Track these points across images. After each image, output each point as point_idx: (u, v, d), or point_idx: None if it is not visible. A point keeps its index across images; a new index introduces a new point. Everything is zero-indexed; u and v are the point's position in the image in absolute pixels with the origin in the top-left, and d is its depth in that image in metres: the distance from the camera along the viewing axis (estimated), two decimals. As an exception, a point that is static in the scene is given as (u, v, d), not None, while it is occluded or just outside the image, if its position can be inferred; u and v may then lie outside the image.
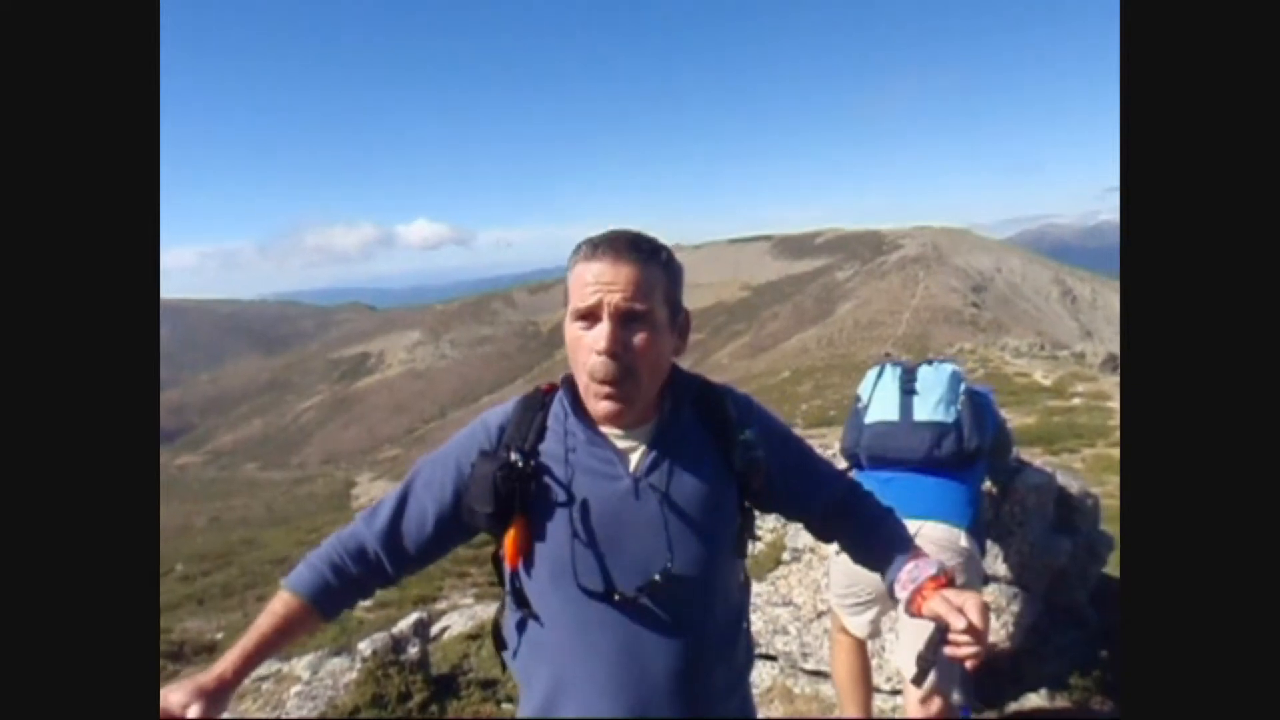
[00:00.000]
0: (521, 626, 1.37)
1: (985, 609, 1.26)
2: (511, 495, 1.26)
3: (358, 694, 3.45)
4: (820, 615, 3.28)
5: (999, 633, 3.05)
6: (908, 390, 2.49)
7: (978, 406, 2.50)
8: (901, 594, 1.36)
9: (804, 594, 3.39)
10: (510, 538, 1.29)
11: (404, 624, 4.70)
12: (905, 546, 1.44)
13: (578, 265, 1.25)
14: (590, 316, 1.23)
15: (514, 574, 1.34)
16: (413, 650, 3.90)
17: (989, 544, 3.24)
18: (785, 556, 3.64)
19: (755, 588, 3.65)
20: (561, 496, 1.28)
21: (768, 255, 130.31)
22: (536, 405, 1.36)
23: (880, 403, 2.52)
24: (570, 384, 1.35)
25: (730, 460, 1.34)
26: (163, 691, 1.14)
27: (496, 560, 1.35)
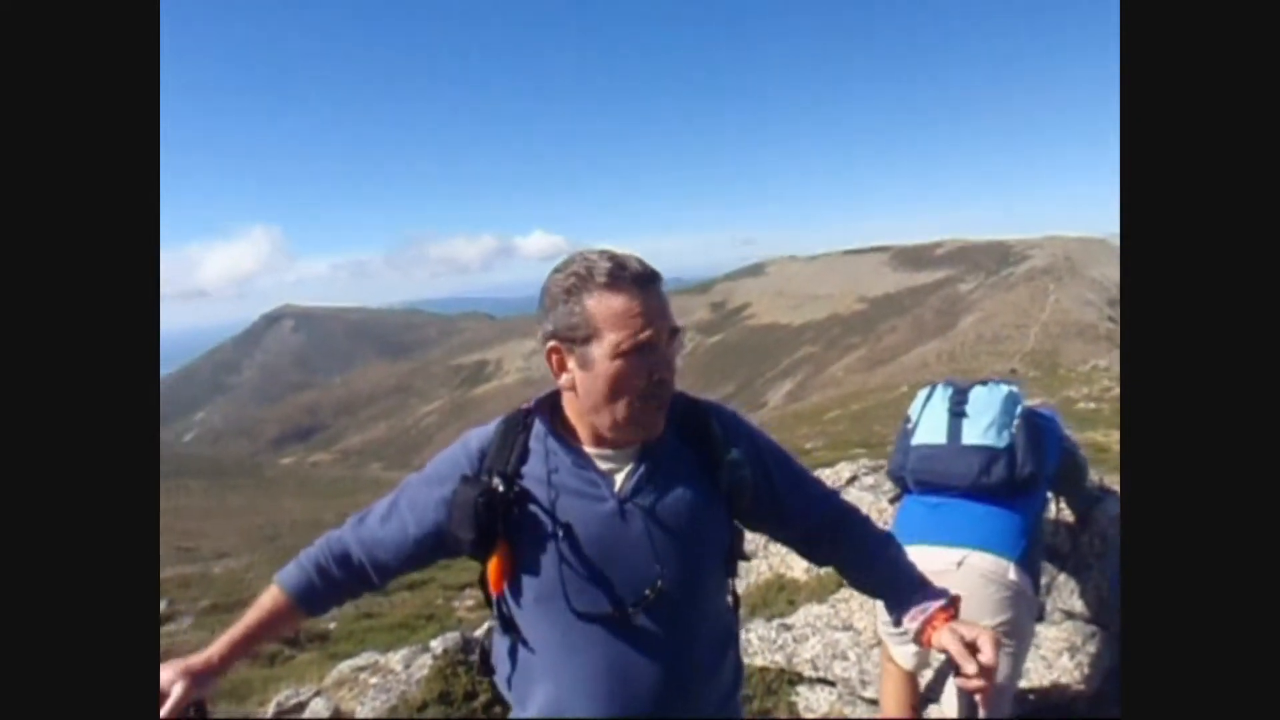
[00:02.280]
0: (511, 650, 1.38)
1: (996, 642, 1.25)
2: (494, 521, 1.27)
3: (426, 690, 3.61)
4: (881, 642, 3.20)
5: (1072, 673, 2.89)
6: (957, 412, 2.39)
7: (1035, 430, 2.38)
8: (910, 625, 1.35)
9: (865, 619, 3.31)
10: (494, 564, 1.30)
11: (484, 626, 4.87)
12: (909, 575, 1.42)
13: (603, 297, 1.23)
14: (648, 347, 1.24)
15: (500, 599, 1.35)
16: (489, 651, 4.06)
17: (1064, 578, 3.08)
18: (848, 580, 3.57)
19: (816, 610, 3.59)
20: (546, 520, 1.28)
21: (885, 266, 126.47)
22: (517, 427, 1.36)
23: (928, 424, 2.44)
24: (548, 407, 1.37)
25: (716, 479, 1.33)
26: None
27: (483, 581, 1.35)
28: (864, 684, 3.19)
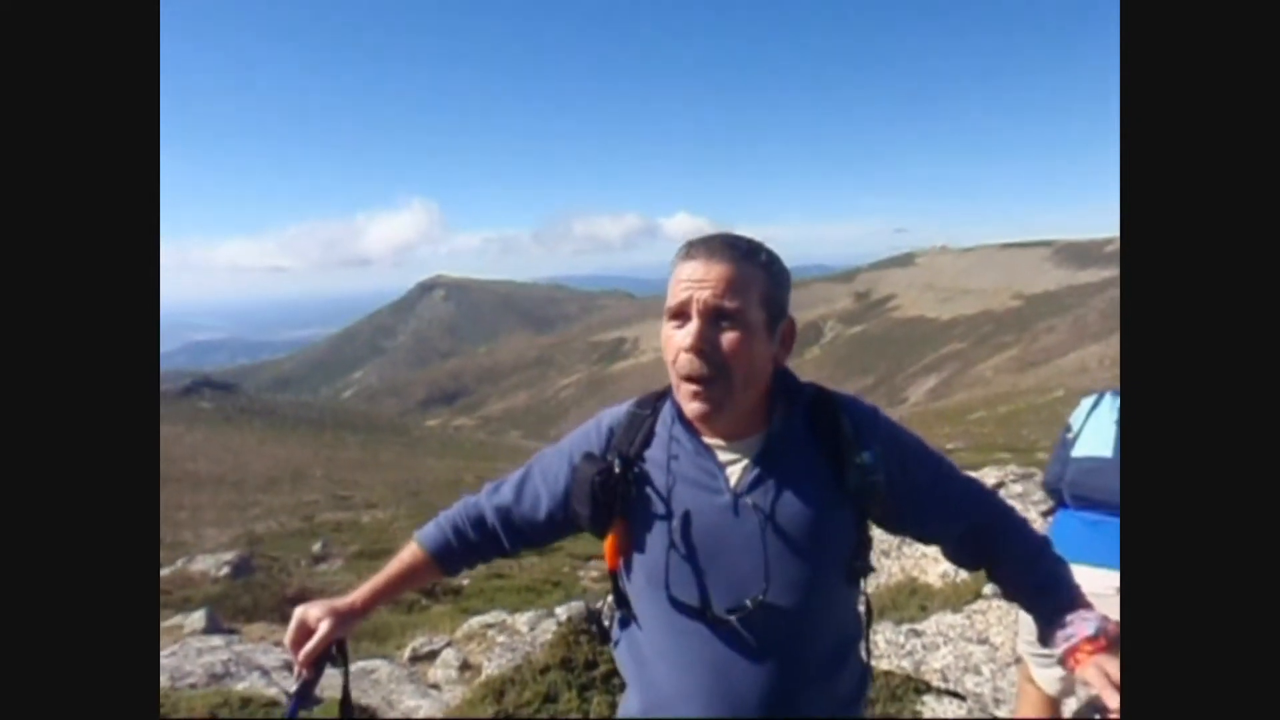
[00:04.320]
0: (624, 624, 1.40)
1: None
2: (611, 500, 1.28)
3: (549, 654, 3.72)
4: (1019, 660, 3.01)
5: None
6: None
7: None
8: (1054, 650, 1.25)
9: (1002, 633, 3.14)
10: (610, 541, 1.31)
11: (610, 598, 4.98)
12: (1065, 591, 1.30)
13: (675, 265, 1.24)
14: (681, 315, 1.22)
15: (615, 574, 1.37)
16: (607, 623, 4.14)
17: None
18: (986, 590, 3.37)
19: (949, 619, 3.42)
20: (660, 506, 1.27)
21: (1047, 262, 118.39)
22: (648, 409, 1.36)
23: (1093, 435, 2.25)
24: None
25: (844, 481, 1.26)
26: (303, 607, 1.37)
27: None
28: (997, 702, 3.03)
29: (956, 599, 3.45)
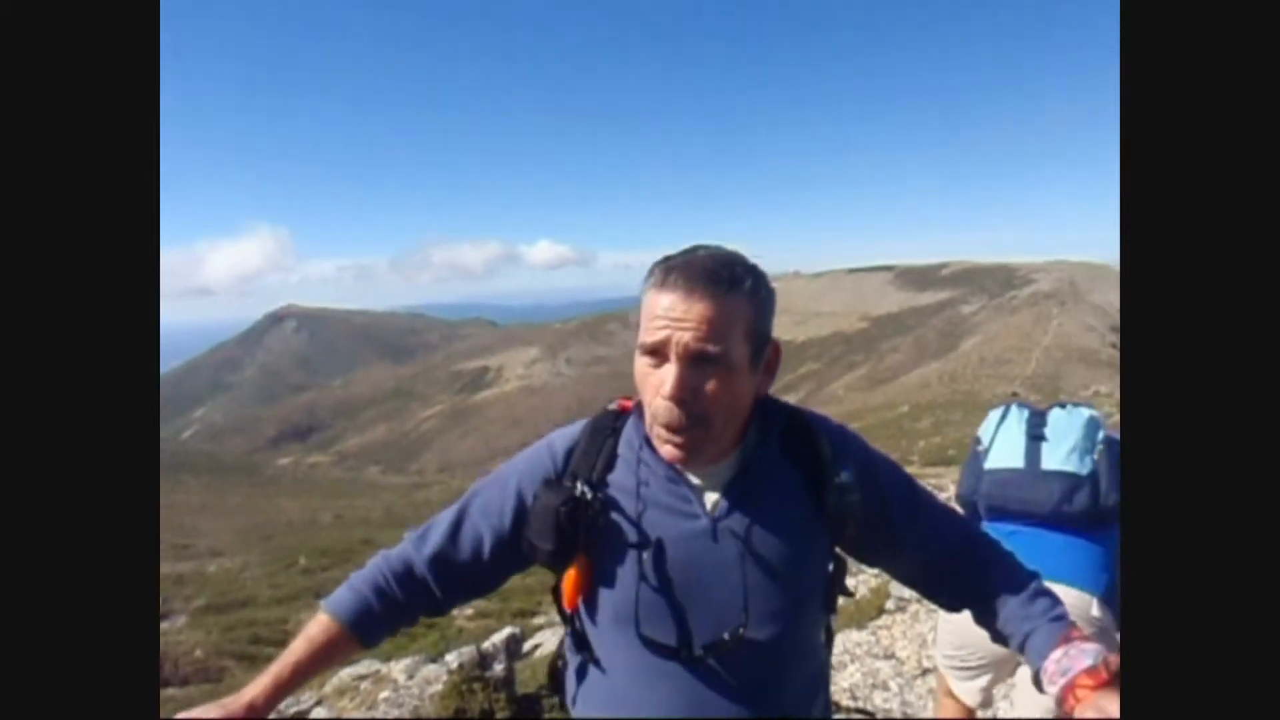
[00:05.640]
0: (581, 672, 1.25)
1: None
2: (575, 532, 1.15)
3: (441, 706, 3.45)
4: (925, 672, 3.03)
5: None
6: (1035, 435, 2.22)
7: (1118, 458, 2.22)
8: (1050, 688, 1.14)
9: (908, 648, 3.15)
10: (570, 577, 1.17)
11: (496, 639, 4.71)
12: (1052, 620, 1.20)
13: (649, 292, 1.12)
14: (657, 354, 1.10)
15: (574, 614, 1.23)
16: (499, 667, 3.89)
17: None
18: (889, 605, 3.40)
19: (855, 636, 3.42)
20: (630, 535, 1.15)
21: (890, 286, 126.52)
22: (607, 430, 1.23)
23: (1003, 447, 2.27)
24: (643, 411, 1.21)
25: (822, 504, 1.18)
26: (185, 716, 1.10)
27: (556, 593, 1.23)
28: (906, 716, 3.03)
29: (861, 616, 3.45)
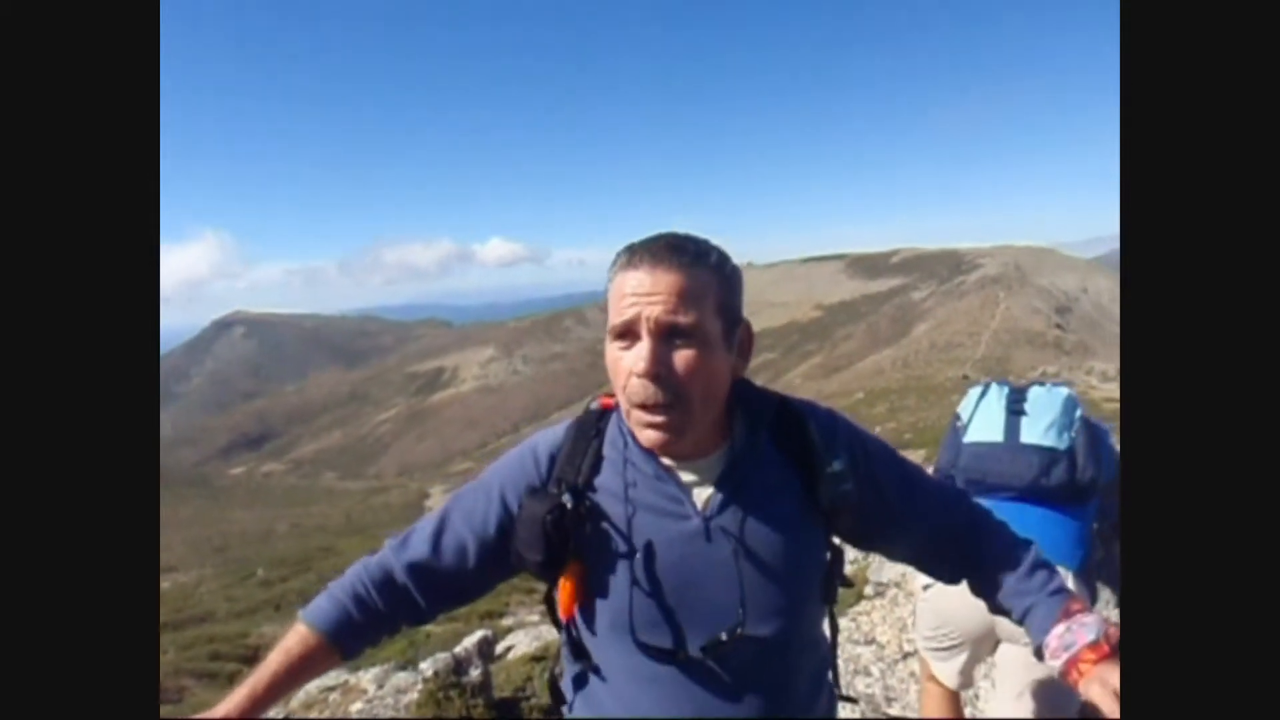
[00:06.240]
0: (580, 680, 1.20)
1: None
2: (564, 541, 1.10)
3: (418, 715, 3.36)
4: (906, 656, 3.04)
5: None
6: (1015, 410, 2.22)
7: (1095, 437, 2.24)
8: (1053, 661, 1.13)
9: (888, 632, 3.16)
10: (565, 587, 1.13)
11: (468, 642, 4.61)
12: (1052, 593, 1.19)
13: (615, 276, 1.08)
14: (628, 334, 1.05)
15: (569, 623, 1.18)
16: (475, 672, 3.81)
17: (1104, 590, 2.96)
18: (868, 591, 3.41)
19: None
20: (621, 541, 1.11)
21: (842, 274, 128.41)
22: (590, 431, 1.18)
23: (983, 422, 2.27)
24: None
25: (815, 494, 1.14)
26: None
27: (550, 602, 1.19)
28: (889, 700, 3.04)
29: (840, 605, 3.46)
